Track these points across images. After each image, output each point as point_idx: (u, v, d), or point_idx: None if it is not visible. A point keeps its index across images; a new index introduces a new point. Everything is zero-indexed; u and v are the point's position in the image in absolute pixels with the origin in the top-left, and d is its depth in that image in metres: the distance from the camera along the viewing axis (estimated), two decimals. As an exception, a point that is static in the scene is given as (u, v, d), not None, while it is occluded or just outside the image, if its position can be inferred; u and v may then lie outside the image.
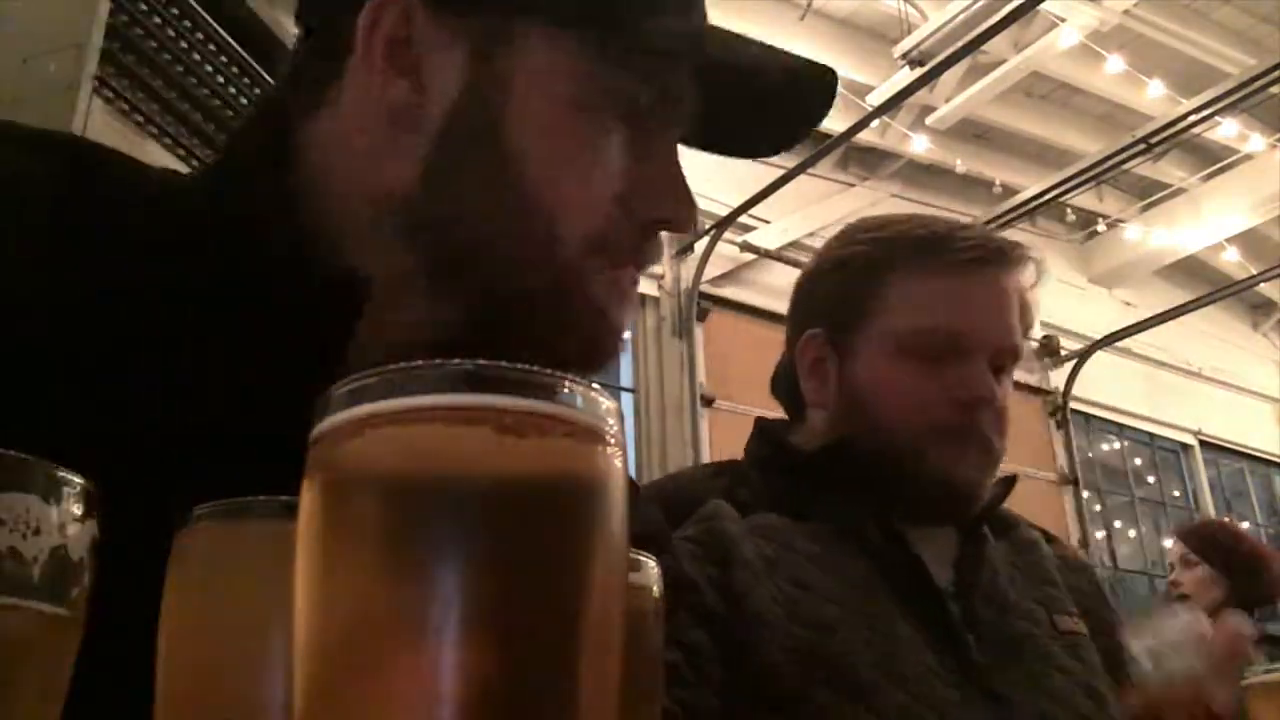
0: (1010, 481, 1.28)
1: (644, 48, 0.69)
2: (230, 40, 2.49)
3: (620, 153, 0.71)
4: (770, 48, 0.75)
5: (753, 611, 1.05)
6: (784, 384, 1.31)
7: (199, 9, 2.41)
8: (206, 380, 0.63)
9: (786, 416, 1.34)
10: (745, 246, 5.55)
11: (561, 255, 0.69)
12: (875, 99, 5.26)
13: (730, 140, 0.79)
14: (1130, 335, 6.52)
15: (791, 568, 1.10)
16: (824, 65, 0.76)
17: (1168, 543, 5.47)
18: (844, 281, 1.25)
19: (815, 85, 0.76)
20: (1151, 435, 7.35)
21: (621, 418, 0.36)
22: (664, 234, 0.75)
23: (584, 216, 0.70)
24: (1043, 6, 4.59)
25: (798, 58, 0.75)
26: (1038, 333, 6.23)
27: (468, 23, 0.69)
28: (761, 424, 1.33)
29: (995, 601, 1.16)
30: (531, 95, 0.69)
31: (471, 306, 0.69)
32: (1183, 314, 6.35)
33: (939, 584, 1.14)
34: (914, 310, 1.20)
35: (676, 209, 0.73)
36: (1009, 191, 5.92)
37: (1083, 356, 6.55)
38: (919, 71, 4.97)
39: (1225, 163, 6.17)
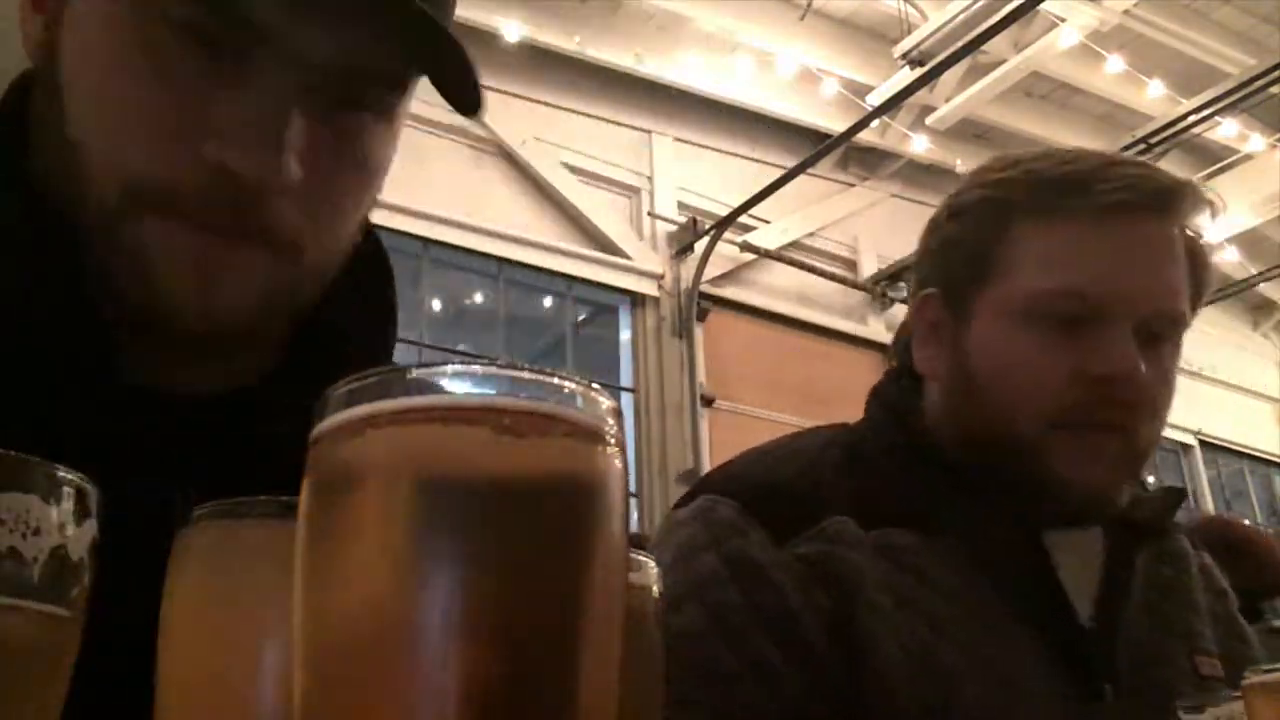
0: (1178, 495, 1.11)
1: None
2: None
3: (179, 88, 0.62)
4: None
5: (878, 668, 0.91)
6: (902, 348, 1.13)
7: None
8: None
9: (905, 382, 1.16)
10: (745, 246, 5.55)
11: (107, 194, 0.62)
12: (875, 99, 5.26)
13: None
14: (1130, 335, 6.50)
15: (924, 604, 0.95)
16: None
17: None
18: (962, 232, 1.05)
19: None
20: (1151, 435, 7.33)
21: (621, 418, 0.36)
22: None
23: (123, 155, 0.62)
24: (1043, 6, 4.58)
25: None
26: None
27: None
28: (885, 397, 1.12)
29: (1136, 642, 1.01)
30: (79, 17, 0.64)
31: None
32: (1182, 314, 6.32)
33: (1081, 620, 0.99)
34: (1039, 268, 0.98)
35: (229, 151, 0.60)
36: (1009, 191, 5.90)
37: (1083, 356, 6.52)
38: (919, 71, 4.97)
39: (1225, 163, 6.16)
